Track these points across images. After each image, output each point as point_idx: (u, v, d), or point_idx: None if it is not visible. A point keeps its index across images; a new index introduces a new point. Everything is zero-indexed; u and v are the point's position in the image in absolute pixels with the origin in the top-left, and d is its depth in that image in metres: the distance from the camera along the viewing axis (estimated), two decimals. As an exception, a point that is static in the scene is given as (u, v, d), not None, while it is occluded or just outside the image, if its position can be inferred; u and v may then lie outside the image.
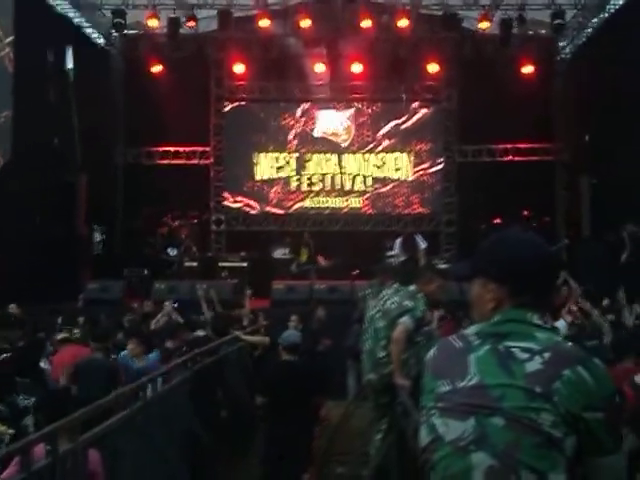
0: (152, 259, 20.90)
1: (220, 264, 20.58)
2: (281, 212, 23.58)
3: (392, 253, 19.22)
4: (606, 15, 20.32)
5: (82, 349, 9.17)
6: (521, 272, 2.58)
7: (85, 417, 4.81)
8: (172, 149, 23.44)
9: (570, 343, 2.58)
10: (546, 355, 2.44)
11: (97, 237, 21.86)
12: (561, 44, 23.22)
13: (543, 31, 21.91)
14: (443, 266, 19.27)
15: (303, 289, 17.40)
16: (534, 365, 2.42)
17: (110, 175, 23.06)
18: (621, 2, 19.30)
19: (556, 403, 2.38)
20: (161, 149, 23.48)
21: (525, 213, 21.33)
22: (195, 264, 20.60)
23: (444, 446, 2.47)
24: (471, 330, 2.61)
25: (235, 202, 23.62)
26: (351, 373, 12.77)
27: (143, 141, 23.24)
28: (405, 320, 7.18)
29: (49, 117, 18.63)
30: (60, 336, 9.92)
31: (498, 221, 21.30)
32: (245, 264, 20.23)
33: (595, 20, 21.07)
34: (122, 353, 9.16)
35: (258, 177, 23.59)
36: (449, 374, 2.54)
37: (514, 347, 2.48)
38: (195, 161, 23.59)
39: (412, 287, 7.49)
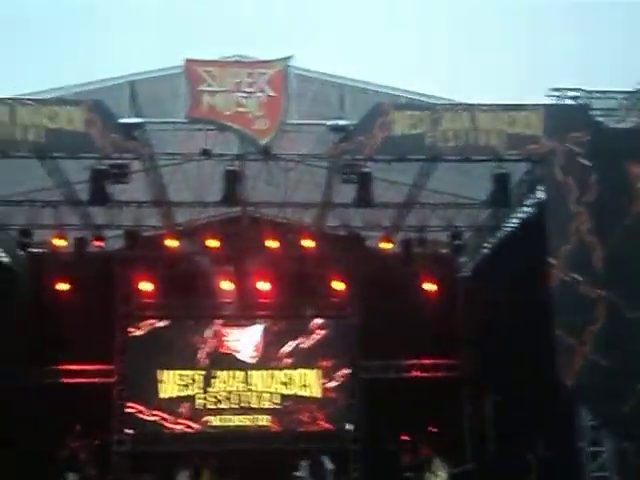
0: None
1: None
2: (186, 431, 23.07)
3: (299, 475, 18.94)
4: (501, 235, 21.22)
5: None
6: None
7: None
8: (76, 368, 22.94)
9: None
10: None
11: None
12: (462, 261, 24.02)
13: (443, 250, 22.63)
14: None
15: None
16: None
17: (10, 397, 22.24)
18: (513, 224, 20.23)
19: None
20: (65, 367, 22.93)
21: (431, 429, 21.22)
22: (94, 491, 19.80)
23: None
24: None
25: (142, 420, 23.07)
26: None
27: (47, 360, 22.63)
28: None
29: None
30: None
31: (405, 438, 21.17)
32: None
33: (491, 240, 21.96)
34: None
35: (162, 395, 23.21)
36: None
37: None
38: (98, 379, 23.07)
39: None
